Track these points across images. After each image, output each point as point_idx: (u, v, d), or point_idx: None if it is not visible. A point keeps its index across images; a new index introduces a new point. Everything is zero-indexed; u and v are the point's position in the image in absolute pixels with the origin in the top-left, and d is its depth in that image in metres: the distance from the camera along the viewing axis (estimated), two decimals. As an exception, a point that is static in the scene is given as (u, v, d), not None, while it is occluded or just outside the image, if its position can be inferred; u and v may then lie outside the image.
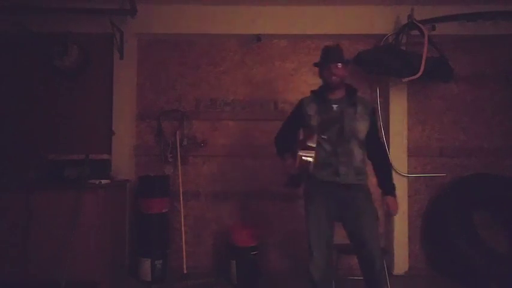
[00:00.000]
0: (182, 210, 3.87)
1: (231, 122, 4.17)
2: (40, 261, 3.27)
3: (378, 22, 4.04)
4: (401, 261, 3.97)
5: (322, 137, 2.49)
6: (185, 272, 3.74)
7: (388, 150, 4.04)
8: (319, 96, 2.64)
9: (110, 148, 4.01)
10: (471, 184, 3.88)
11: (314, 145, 2.43)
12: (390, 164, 2.61)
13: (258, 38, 4.07)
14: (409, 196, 4.07)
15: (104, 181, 3.51)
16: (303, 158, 2.42)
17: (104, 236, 3.41)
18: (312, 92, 2.74)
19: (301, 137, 2.67)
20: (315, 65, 2.69)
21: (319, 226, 2.52)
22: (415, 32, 3.82)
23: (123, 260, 3.94)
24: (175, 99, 4.19)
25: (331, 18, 4.05)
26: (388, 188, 2.67)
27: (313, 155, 2.41)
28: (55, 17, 3.94)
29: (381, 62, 3.69)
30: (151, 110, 4.18)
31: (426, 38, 3.68)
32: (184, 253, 3.78)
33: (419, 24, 3.77)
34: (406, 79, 3.67)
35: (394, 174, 3.95)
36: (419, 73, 3.58)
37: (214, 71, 4.22)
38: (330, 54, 2.59)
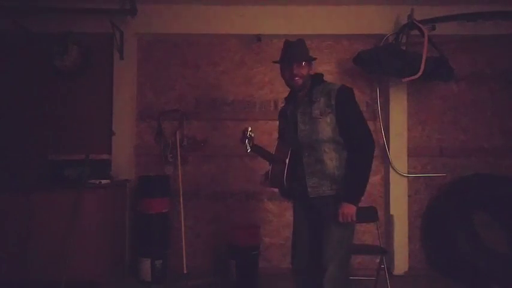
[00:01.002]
0: (182, 210, 3.87)
1: (231, 122, 4.17)
2: (40, 261, 3.27)
3: (378, 22, 4.05)
4: (401, 261, 3.97)
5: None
6: (185, 272, 3.74)
7: (388, 150, 4.04)
8: (288, 103, 2.39)
9: (110, 148, 4.01)
10: (471, 184, 3.88)
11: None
12: (362, 164, 2.13)
13: (258, 38, 4.07)
14: (409, 196, 4.07)
15: (104, 181, 3.52)
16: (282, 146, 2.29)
17: (104, 236, 3.42)
18: (285, 97, 2.46)
19: None
20: (275, 62, 2.33)
21: (300, 240, 2.32)
22: (415, 32, 3.82)
23: (123, 260, 3.94)
24: (175, 99, 4.19)
25: (331, 18, 4.05)
26: (346, 193, 2.11)
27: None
28: (55, 17, 3.94)
29: (381, 62, 3.69)
30: (151, 110, 4.18)
31: (426, 38, 3.68)
32: (184, 253, 3.78)
33: (419, 24, 3.77)
34: (406, 79, 3.67)
35: (394, 174, 4.02)
36: (419, 73, 3.58)
37: (214, 71, 4.22)
38: (291, 51, 2.23)
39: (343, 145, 2.16)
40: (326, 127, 2.14)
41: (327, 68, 4.19)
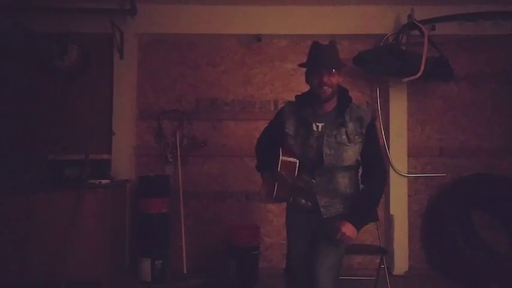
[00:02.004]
0: (182, 210, 3.87)
1: (231, 122, 4.17)
2: (40, 261, 3.27)
3: (377, 22, 4.04)
4: (401, 261, 3.97)
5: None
6: (185, 272, 3.74)
7: (388, 150, 4.04)
8: (303, 108, 2.13)
9: (110, 148, 4.01)
10: (471, 184, 3.88)
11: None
12: (377, 194, 2.09)
13: (258, 38, 4.07)
14: (409, 196, 4.07)
15: (104, 181, 3.52)
16: (287, 160, 2.07)
17: (104, 236, 3.41)
18: (297, 98, 2.22)
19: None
20: (302, 65, 2.15)
21: (298, 250, 2.20)
22: (415, 32, 3.82)
23: (123, 260, 3.94)
24: (175, 99, 4.19)
25: (331, 18, 4.05)
26: (354, 216, 2.01)
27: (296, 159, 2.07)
28: (55, 17, 3.94)
29: (381, 62, 3.69)
30: (151, 110, 4.18)
31: (426, 38, 3.68)
32: (184, 253, 3.78)
33: (419, 24, 3.77)
34: (406, 79, 3.67)
35: (394, 174, 4.02)
36: (419, 73, 3.58)
37: (214, 71, 4.22)
38: (322, 56, 2.04)
39: (356, 166, 2.12)
40: (352, 155, 2.05)
41: (327, 68, 4.18)
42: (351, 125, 2.04)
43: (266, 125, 2.41)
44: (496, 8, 3.82)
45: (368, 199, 2.08)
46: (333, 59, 2.05)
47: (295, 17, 4.06)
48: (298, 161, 2.05)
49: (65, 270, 3.14)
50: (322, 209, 2.07)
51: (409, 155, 4.07)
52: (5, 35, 4.04)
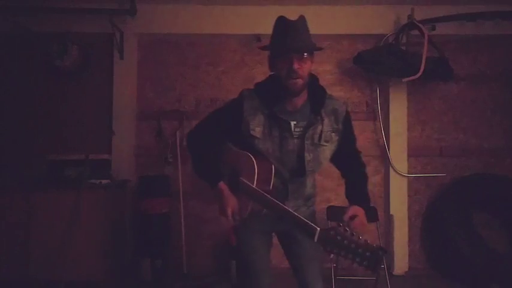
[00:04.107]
0: (182, 210, 3.87)
1: (231, 122, 4.16)
2: (40, 261, 3.28)
3: (378, 22, 4.04)
4: (401, 261, 3.97)
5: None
6: (185, 272, 3.74)
7: (388, 150, 4.04)
8: (270, 101, 1.68)
9: (110, 148, 4.01)
10: (471, 184, 3.88)
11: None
12: (367, 176, 1.87)
13: (258, 38, 4.06)
14: (409, 196, 4.07)
15: (104, 181, 3.52)
16: (263, 166, 1.68)
17: (104, 236, 3.42)
18: (259, 88, 1.75)
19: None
20: (264, 48, 1.73)
21: (264, 262, 1.89)
22: (415, 32, 3.82)
23: (123, 260, 3.94)
24: (175, 99, 4.19)
25: (331, 18, 4.05)
26: (362, 198, 1.77)
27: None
28: (55, 17, 3.93)
29: (381, 62, 3.69)
30: (151, 110, 4.18)
31: (426, 38, 3.68)
32: (184, 253, 3.78)
33: (419, 24, 3.77)
34: (406, 79, 3.67)
35: (394, 174, 4.02)
36: (419, 73, 3.58)
37: (214, 71, 4.22)
38: (291, 36, 1.60)
39: (335, 163, 1.89)
40: (328, 156, 1.76)
41: (327, 68, 4.19)
42: (326, 121, 1.72)
43: (207, 118, 1.81)
44: (496, 8, 3.82)
45: (365, 180, 1.84)
46: (305, 40, 1.63)
47: (295, 17, 4.04)
48: (274, 167, 1.69)
49: (65, 270, 3.14)
50: None
51: (409, 155, 4.07)
52: (5, 35, 4.04)
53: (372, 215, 3.52)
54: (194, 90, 4.20)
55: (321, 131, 1.70)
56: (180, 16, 4.06)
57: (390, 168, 4.02)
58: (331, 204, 3.76)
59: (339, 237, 1.44)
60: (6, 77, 4.09)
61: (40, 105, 4.08)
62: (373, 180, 4.10)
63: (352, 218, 1.62)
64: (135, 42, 4.16)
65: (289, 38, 1.60)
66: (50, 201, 3.33)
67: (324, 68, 4.18)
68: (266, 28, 4.03)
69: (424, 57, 3.59)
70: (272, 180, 1.67)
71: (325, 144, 1.72)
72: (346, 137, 1.79)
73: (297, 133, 1.70)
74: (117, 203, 3.77)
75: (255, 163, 1.67)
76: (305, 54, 1.61)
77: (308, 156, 1.70)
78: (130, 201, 3.99)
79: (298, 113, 1.70)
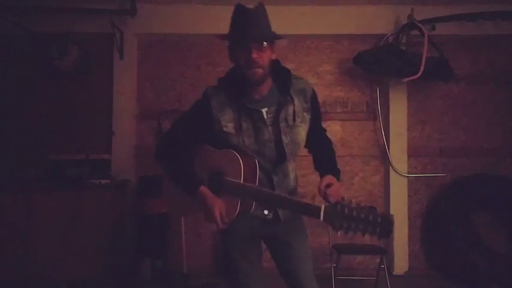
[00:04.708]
0: (182, 210, 3.86)
1: (231, 122, 4.16)
2: (40, 261, 3.27)
3: (378, 22, 4.04)
4: (401, 261, 3.97)
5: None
6: (185, 272, 3.73)
7: (388, 150, 4.04)
8: (236, 94, 1.64)
9: (110, 148, 4.01)
10: (471, 184, 3.88)
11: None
12: (335, 152, 1.82)
13: (258, 38, 4.06)
14: (409, 196, 4.07)
15: (104, 181, 3.52)
16: (248, 162, 1.61)
17: (104, 236, 3.42)
18: (222, 83, 1.73)
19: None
20: (221, 37, 1.68)
21: (256, 272, 1.74)
22: (415, 32, 3.82)
23: (123, 260, 3.93)
24: (175, 99, 4.19)
25: (331, 18, 4.05)
26: (333, 169, 1.71)
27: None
28: (55, 17, 3.93)
29: (381, 62, 3.69)
30: (151, 110, 4.17)
31: (426, 38, 3.68)
32: (184, 253, 3.78)
33: (419, 24, 3.77)
34: (406, 79, 3.67)
35: (394, 174, 4.02)
36: (419, 73, 3.58)
37: (214, 71, 4.21)
38: (248, 24, 1.55)
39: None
40: (304, 136, 1.70)
41: (327, 68, 4.19)
42: (296, 101, 1.67)
43: (174, 126, 1.73)
44: (496, 8, 3.82)
45: (334, 154, 1.79)
46: (263, 28, 1.58)
47: (295, 17, 4.05)
48: (256, 161, 1.62)
49: (65, 270, 3.14)
50: (280, 213, 1.68)
51: (409, 155, 4.07)
52: (5, 35, 4.04)
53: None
54: (194, 90, 4.20)
55: (294, 111, 1.65)
56: (180, 16, 4.06)
57: (390, 168, 4.02)
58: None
59: (346, 210, 1.38)
60: (6, 77, 4.08)
61: (40, 105, 4.08)
62: (373, 180, 4.11)
63: (328, 186, 1.57)
64: (135, 42, 4.16)
65: (247, 27, 1.54)
66: (50, 201, 3.33)
67: (324, 68, 4.18)
68: (266, 28, 4.08)
69: (424, 57, 3.60)
70: (257, 176, 1.61)
71: (300, 124, 1.67)
72: (315, 116, 1.74)
73: (270, 119, 1.64)
74: (117, 203, 3.77)
75: (240, 159, 1.59)
76: (264, 43, 1.56)
77: (285, 139, 1.64)
78: (131, 201, 3.99)
79: (267, 99, 1.65)
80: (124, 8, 3.93)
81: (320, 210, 1.42)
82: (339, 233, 1.41)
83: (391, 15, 4.02)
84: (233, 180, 1.60)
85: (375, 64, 3.73)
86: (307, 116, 1.70)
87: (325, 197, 1.53)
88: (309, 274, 1.73)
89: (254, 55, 1.54)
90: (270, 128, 1.63)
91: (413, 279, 3.86)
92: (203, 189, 1.61)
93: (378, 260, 3.41)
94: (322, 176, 1.65)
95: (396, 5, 3.97)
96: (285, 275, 1.76)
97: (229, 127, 1.62)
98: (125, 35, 4.03)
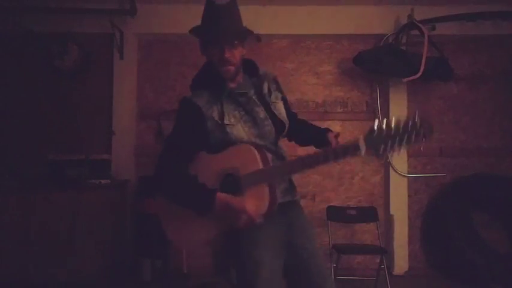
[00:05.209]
0: (182, 210, 3.86)
1: (231, 122, 4.16)
2: (40, 261, 3.27)
3: (378, 22, 4.04)
4: (401, 261, 3.97)
5: None
6: (185, 272, 3.73)
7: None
8: (218, 88, 1.61)
9: (110, 148, 4.01)
10: (471, 184, 3.88)
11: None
12: None
13: (258, 38, 4.06)
14: (409, 196, 4.06)
15: (103, 181, 3.52)
16: (259, 147, 1.56)
17: (104, 236, 3.41)
18: (199, 81, 1.69)
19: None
20: (194, 34, 1.65)
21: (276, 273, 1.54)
22: (415, 32, 3.82)
23: (123, 260, 3.93)
24: (175, 99, 4.18)
25: (331, 18, 4.05)
26: (322, 128, 1.78)
27: None
28: (55, 17, 3.93)
29: (381, 62, 3.69)
30: (151, 110, 4.17)
31: (426, 38, 3.68)
32: (184, 253, 3.78)
33: (419, 24, 3.77)
34: (406, 79, 3.67)
35: (394, 174, 4.02)
36: (419, 73, 3.58)
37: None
38: (219, 22, 1.54)
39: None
40: (284, 113, 1.71)
41: (327, 68, 4.19)
42: (265, 84, 1.71)
43: (168, 147, 1.63)
44: (496, 8, 3.82)
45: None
46: (233, 27, 1.57)
47: (295, 17, 4.06)
48: (265, 149, 1.57)
49: (65, 270, 3.14)
50: (280, 199, 1.56)
51: (409, 155, 4.07)
52: (5, 35, 4.04)
53: (371, 215, 3.55)
54: (194, 90, 4.20)
55: (269, 89, 1.69)
56: (180, 16, 4.05)
57: (390, 168, 4.02)
58: (331, 204, 3.77)
59: (385, 130, 1.35)
60: (6, 77, 4.09)
61: (40, 105, 4.08)
62: (373, 180, 4.11)
63: (336, 136, 1.65)
64: (135, 42, 4.16)
65: (218, 25, 1.54)
66: (50, 201, 3.33)
67: (324, 68, 4.18)
68: (266, 28, 4.09)
69: (424, 57, 3.60)
70: (269, 158, 1.55)
71: (277, 101, 1.70)
72: (284, 98, 1.77)
73: (256, 99, 1.66)
74: (117, 203, 3.77)
75: (251, 147, 1.52)
76: (235, 42, 1.57)
77: (277, 113, 1.66)
78: (131, 201, 3.99)
79: (244, 85, 1.67)
80: (124, 8, 3.93)
81: (359, 142, 1.39)
82: (383, 153, 1.37)
83: (391, 15, 4.02)
84: (251, 172, 1.49)
85: (375, 64, 3.73)
86: (279, 95, 1.73)
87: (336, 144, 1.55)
88: (326, 273, 1.66)
89: (227, 54, 1.55)
90: (261, 107, 1.64)
91: (413, 279, 3.86)
92: (220, 195, 1.47)
93: (378, 260, 3.41)
94: (320, 137, 1.68)
95: (396, 5, 3.97)
96: (295, 271, 1.60)
97: (228, 119, 1.57)
98: (124, 35, 4.03)
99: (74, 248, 3.23)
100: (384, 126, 1.35)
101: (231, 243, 1.59)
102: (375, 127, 1.36)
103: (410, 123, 1.32)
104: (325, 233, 3.62)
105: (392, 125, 1.34)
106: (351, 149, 1.41)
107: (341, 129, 4.13)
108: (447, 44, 3.99)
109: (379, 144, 1.36)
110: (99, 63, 4.10)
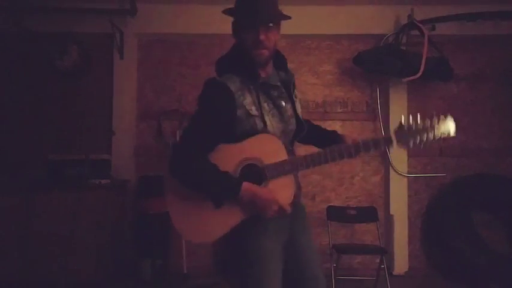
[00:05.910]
0: (182, 210, 3.86)
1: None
2: (40, 261, 3.27)
3: (378, 22, 4.04)
4: (401, 261, 3.97)
5: None
6: (185, 272, 3.74)
7: (388, 150, 4.03)
8: (249, 74, 1.52)
9: (110, 148, 4.01)
10: (471, 184, 3.88)
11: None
12: None
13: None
14: (409, 196, 4.07)
15: (104, 181, 3.52)
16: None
17: (104, 236, 3.41)
18: (229, 65, 1.60)
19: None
20: (228, 13, 1.59)
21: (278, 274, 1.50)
22: (415, 32, 3.83)
23: (123, 260, 3.94)
24: (175, 99, 4.19)
25: (331, 18, 4.05)
26: (333, 131, 1.76)
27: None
28: (55, 17, 3.93)
29: (381, 62, 3.70)
30: (151, 110, 4.17)
31: (426, 38, 3.68)
32: (184, 253, 3.78)
33: (419, 24, 3.77)
34: (406, 79, 3.67)
35: (394, 174, 4.02)
36: (419, 73, 3.58)
37: (214, 71, 4.20)
38: (257, 4, 1.48)
39: None
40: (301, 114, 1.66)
41: (327, 68, 4.19)
42: (292, 79, 1.67)
43: (189, 131, 1.51)
44: (496, 8, 3.82)
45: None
46: (271, 8, 1.51)
47: (295, 17, 4.02)
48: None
49: (65, 270, 3.14)
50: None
51: (409, 155, 4.07)
52: (5, 35, 4.04)
53: (371, 215, 3.54)
54: (194, 90, 4.19)
55: (294, 86, 1.65)
56: (180, 16, 4.06)
57: (390, 168, 4.02)
58: (331, 204, 3.77)
59: (413, 126, 1.51)
60: (6, 77, 4.09)
61: (40, 105, 4.08)
62: (373, 180, 4.11)
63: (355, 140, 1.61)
64: (135, 42, 4.16)
65: (255, 7, 1.47)
66: (50, 201, 3.33)
67: (324, 68, 4.18)
68: (266, 28, 4.07)
69: (424, 57, 3.60)
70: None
71: (297, 100, 1.66)
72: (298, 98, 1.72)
73: (284, 95, 1.59)
74: (117, 203, 3.77)
75: (277, 138, 1.49)
76: (271, 24, 1.50)
77: (299, 121, 1.62)
78: (131, 201, 3.99)
79: (273, 77, 1.60)
80: (124, 8, 3.93)
81: (389, 137, 1.53)
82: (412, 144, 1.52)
83: (391, 15, 4.03)
84: (277, 161, 1.46)
85: (375, 64, 3.73)
86: (298, 95, 1.70)
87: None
88: (319, 268, 1.64)
89: (262, 37, 1.47)
90: (289, 104, 1.59)
91: (413, 279, 3.86)
92: (246, 184, 1.41)
93: (378, 260, 3.41)
94: (337, 140, 1.63)
95: (396, 5, 3.97)
96: (295, 264, 1.59)
97: (253, 110, 1.48)
98: (125, 35, 4.03)
99: (74, 248, 3.23)
100: (413, 124, 1.50)
101: (235, 237, 1.51)
102: (404, 123, 1.51)
103: (435, 119, 1.50)
104: (325, 233, 3.62)
105: (421, 123, 1.50)
106: (380, 144, 1.53)
107: (341, 129, 4.12)
108: (447, 44, 3.99)
109: (410, 138, 1.51)
110: (99, 63, 4.10)
